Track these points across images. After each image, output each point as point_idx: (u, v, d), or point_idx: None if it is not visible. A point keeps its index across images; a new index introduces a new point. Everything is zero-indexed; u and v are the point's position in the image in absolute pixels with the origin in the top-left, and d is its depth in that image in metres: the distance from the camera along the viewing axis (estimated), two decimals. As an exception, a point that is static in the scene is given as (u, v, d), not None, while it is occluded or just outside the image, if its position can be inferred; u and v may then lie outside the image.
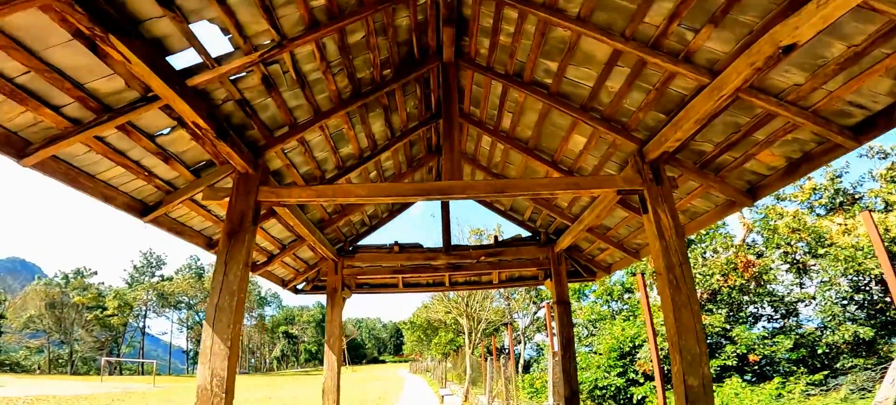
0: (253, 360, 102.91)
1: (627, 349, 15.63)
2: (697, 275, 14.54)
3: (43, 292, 69.21)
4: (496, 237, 7.27)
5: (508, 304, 42.76)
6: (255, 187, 4.11)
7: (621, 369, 15.26)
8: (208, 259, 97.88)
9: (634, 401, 14.05)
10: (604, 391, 15.46)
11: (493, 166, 6.94)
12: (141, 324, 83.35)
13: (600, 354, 16.24)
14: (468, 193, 4.12)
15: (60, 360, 69.67)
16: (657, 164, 4.39)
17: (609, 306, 20.68)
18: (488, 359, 16.60)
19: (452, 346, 43.62)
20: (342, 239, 7.25)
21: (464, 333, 35.88)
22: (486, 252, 7.05)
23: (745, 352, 12.99)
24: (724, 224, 19.38)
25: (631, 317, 18.07)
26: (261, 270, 6.22)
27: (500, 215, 7.81)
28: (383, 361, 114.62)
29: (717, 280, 14.03)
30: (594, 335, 18.93)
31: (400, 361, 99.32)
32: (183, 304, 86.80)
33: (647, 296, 7.85)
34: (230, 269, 3.62)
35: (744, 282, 14.00)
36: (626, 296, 21.98)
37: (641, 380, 14.79)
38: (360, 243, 7.41)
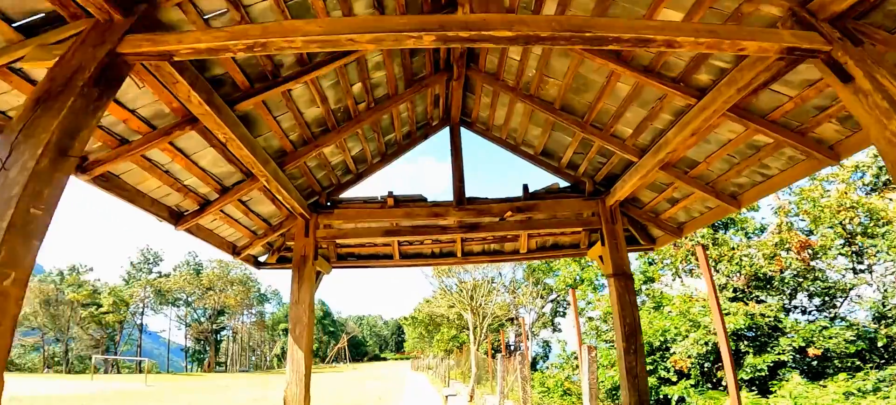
0: (253, 358, 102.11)
1: (657, 344, 13.68)
2: (742, 257, 12.58)
3: (37, 289, 68.00)
4: (525, 186, 5.34)
5: (513, 299, 41.01)
6: (116, 37, 2.19)
7: (651, 367, 13.32)
8: (207, 254, 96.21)
9: (674, 402, 12.09)
10: (631, 391, 13.50)
11: (523, 85, 5.00)
12: (139, 322, 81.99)
13: (626, 349, 14.27)
14: (517, 32, 2.18)
15: (56, 358, 68.63)
16: (842, 22, 2.48)
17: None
18: (498, 355, 14.69)
19: (455, 343, 41.85)
20: (317, 189, 5.32)
21: (468, 329, 33.98)
22: (513, 205, 5.10)
23: (802, 345, 11.06)
24: (757, 206, 17.39)
25: (654, 310, 16.12)
26: (190, 223, 4.28)
27: (529, 160, 5.87)
28: (385, 359, 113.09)
29: (766, 263, 12.06)
30: (616, 328, 16.96)
31: (401, 358, 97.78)
32: (181, 301, 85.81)
33: (712, 275, 5.90)
34: (17, 158, 1.69)
35: (801, 265, 12.04)
36: (644, 287, 20.04)
37: (674, 379, 12.84)
38: (343, 196, 5.48)
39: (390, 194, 5.18)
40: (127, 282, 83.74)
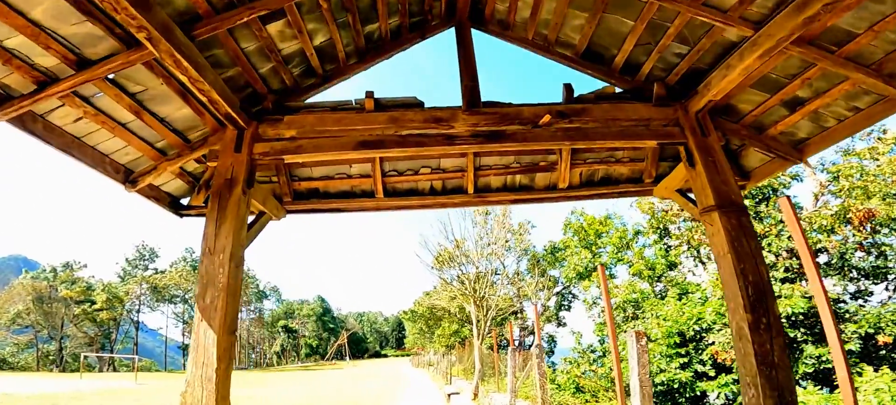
0: (253, 355, 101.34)
1: (691, 334, 11.97)
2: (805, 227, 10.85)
3: (30, 286, 66.64)
4: (567, 86, 3.61)
5: (517, 291, 39.34)
6: None
7: (685, 359, 11.61)
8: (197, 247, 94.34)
9: (720, 403, 10.36)
10: (661, 387, 11.84)
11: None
12: (135, 319, 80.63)
13: (653, 341, 12.58)
14: None
15: (50, 357, 67.53)
16: None
17: (650, 283, 17.01)
18: (509, 349, 13.03)
19: (457, 338, 40.19)
20: (262, 91, 3.58)
21: (471, 323, 32.31)
22: (553, 109, 3.38)
23: (871, 332, 9.35)
24: (799, 176, 15.62)
25: (679, 298, 14.38)
26: (20, 111, 2.52)
27: (567, 64, 4.12)
28: (385, 355, 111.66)
29: (824, 238, 10.33)
30: (637, 318, 15.27)
31: (402, 355, 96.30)
32: (177, 298, 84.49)
33: (805, 235, 4.14)
34: None
35: (863, 239, 10.32)
36: (666, 274, 18.30)
37: (712, 373, 11.13)
38: (304, 102, 3.72)
39: (370, 94, 3.45)
40: (122, 278, 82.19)
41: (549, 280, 38.87)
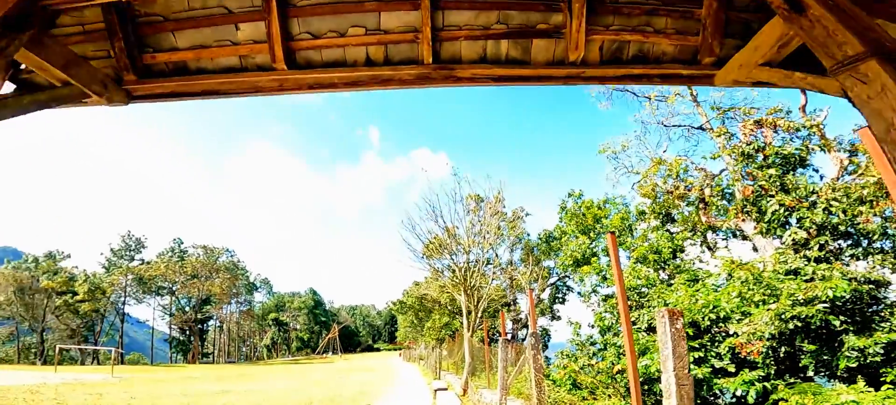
0: (244, 349, 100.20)
1: (706, 324, 10.55)
2: (831, 203, 9.43)
3: (11, 276, 64.75)
4: None
5: (510, 281, 38.13)
6: None
7: (700, 353, 10.19)
8: (191, 239, 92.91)
9: (747, 403, 8.93)
10: (671, 384, 10.42)
11: None
12: (121, 311, 78.71)
13: (663, 331, 11.15)
14: None
15: (33, 349, 65.92)
16: None
17: (656, 269, 15.61)
18: (500, 340, 11.57)
19: (448, 331, 38.92)
20: None
21: (461, 314, 31.04)
22: None
23: (923, 322, 8.02)
24: (822, 147, 14.27)
25: (694, 283, 12.99)
26: None
27: None
28: (378, 349, 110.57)
29: (866, 210, 8.94)
30: (643, 307, 13.86)
31: (394, 349, 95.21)
32: (165, 290, 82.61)
33: None
34: None
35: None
36: (670, 261, 16.94)
37: (733, 369, 9.72)
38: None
39: None
40: (107, 269, 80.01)
41: (544, 270, 37.66)
